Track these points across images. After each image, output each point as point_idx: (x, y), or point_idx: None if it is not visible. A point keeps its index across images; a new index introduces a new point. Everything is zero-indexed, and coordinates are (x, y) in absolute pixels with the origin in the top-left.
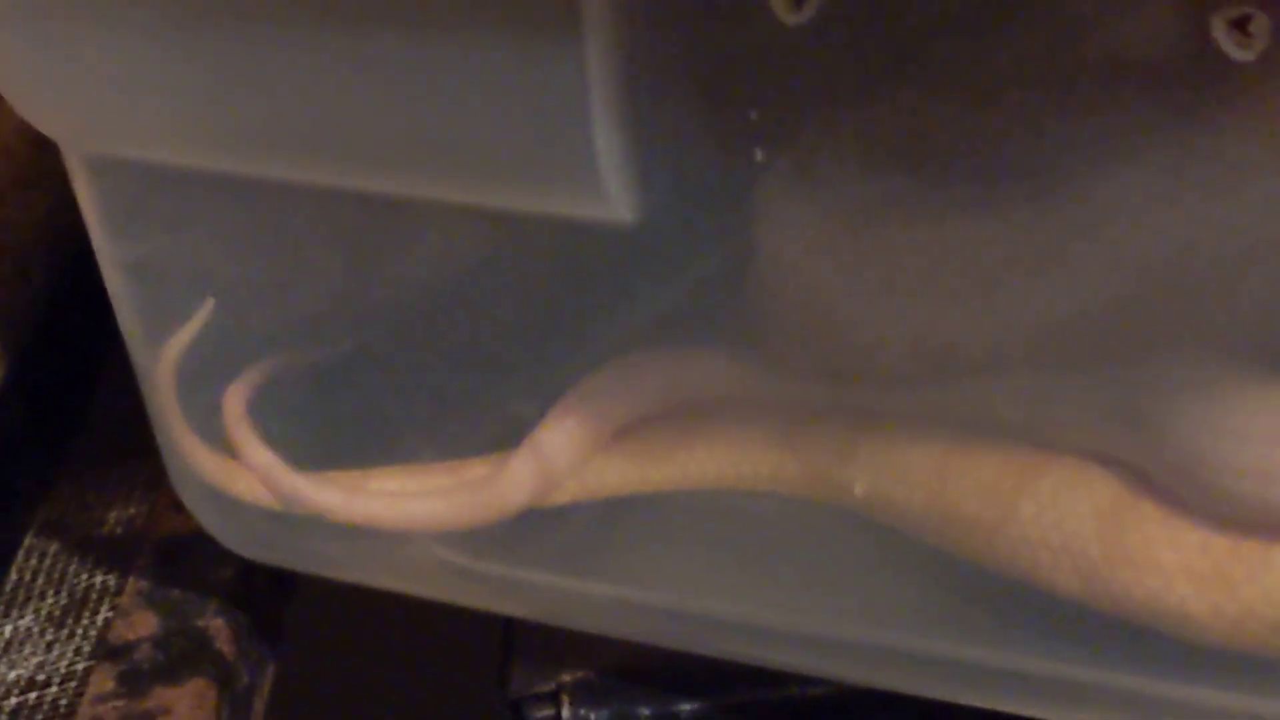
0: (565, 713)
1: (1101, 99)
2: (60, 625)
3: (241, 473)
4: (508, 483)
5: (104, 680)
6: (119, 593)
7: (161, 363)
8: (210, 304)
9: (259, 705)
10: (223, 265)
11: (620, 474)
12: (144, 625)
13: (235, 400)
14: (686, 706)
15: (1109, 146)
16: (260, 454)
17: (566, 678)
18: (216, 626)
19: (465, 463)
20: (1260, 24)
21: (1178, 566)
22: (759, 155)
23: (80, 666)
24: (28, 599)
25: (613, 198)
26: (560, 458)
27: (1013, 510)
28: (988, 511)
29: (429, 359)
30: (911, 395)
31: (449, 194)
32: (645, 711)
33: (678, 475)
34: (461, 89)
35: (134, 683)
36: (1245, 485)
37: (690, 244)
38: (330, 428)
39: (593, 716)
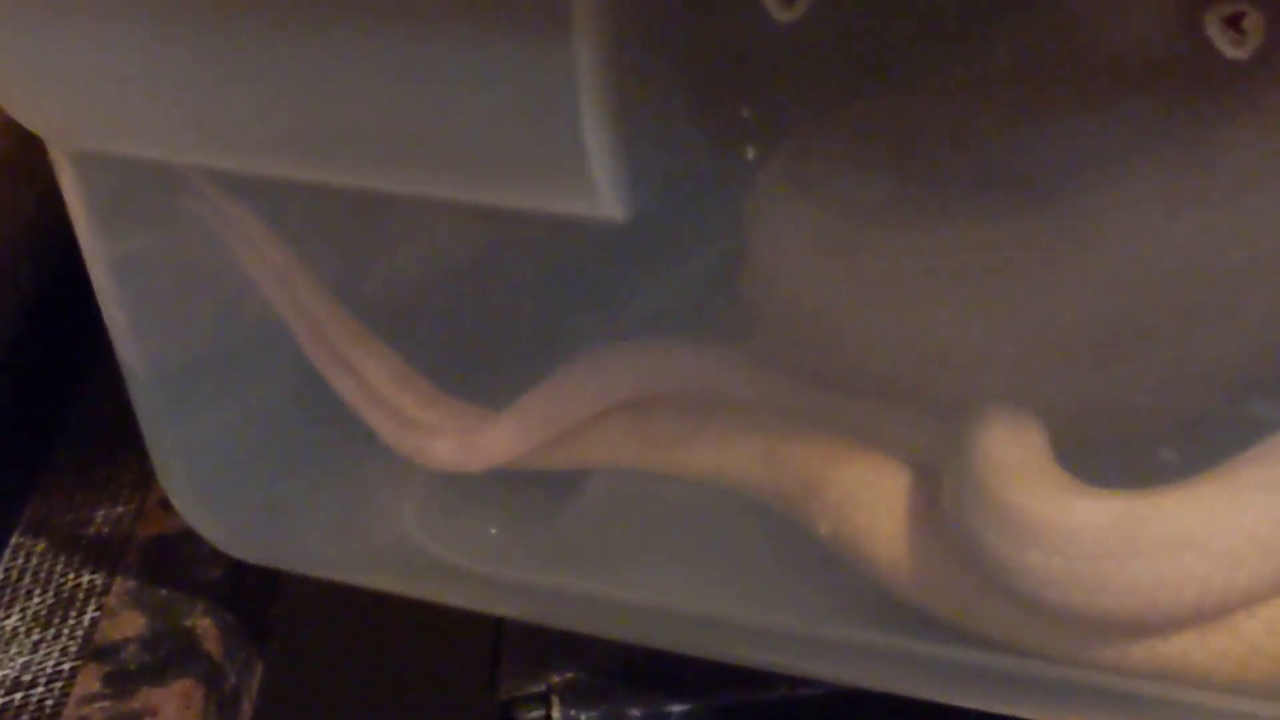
0: (555, 714)
1: (1096, 102)
2: (46, 625)
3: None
4: (489, 433)
5: (90, 681)
6: (106, 592)
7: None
8: None
9: (246, 706)
10: (210, 262)
11: (617, 447)
12: (131, 625)
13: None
14: (676, 707)
15: (1105, 153)
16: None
17: (556, 679)
18: (204, 627)
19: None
20: (1253, 21)
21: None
22: (750, 153)
23: (66, 667)
24: (14, 599)
25: (604, 196)
26: (542, 422)
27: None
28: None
29: (419, 355)
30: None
31: (439, 191)
32: (635, 712)
33: (672, 462)
34: (451, 86)
35: (121, 683)
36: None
37: (681, 242)
38: (321, 424)
39: (583, 717)
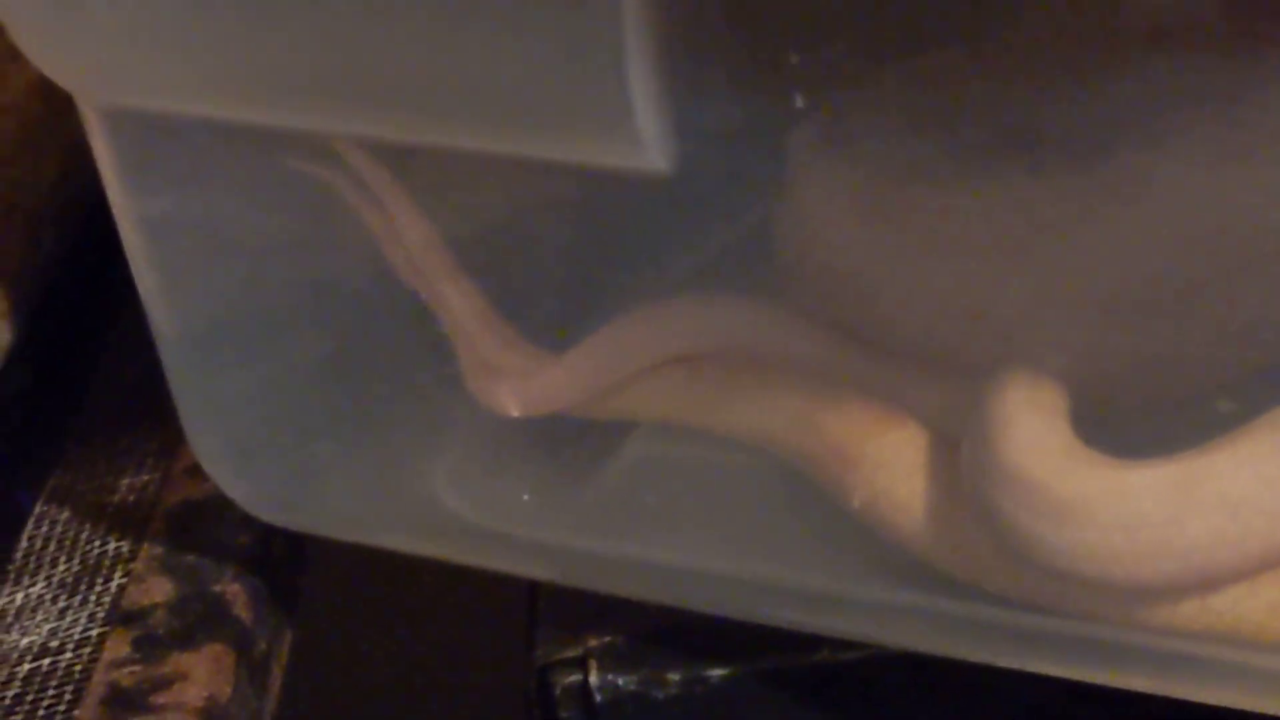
0: (593, 678)
1: (1138, 59)
2: (73, 592)
3: None
4: (542, 381)
5: (120, 645)
6: (132, 559)
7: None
8: None
9: (276, 673)
10: (241, 222)
11: (664, 402)
12: (159, 591)
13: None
14: (716, 672)
15: (1147, 110)
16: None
17: (594, 643)
18: (234, 592)
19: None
20: None
21: None
22: (799, 101)
23: (95, 632)
24: (39, 566)
25: (648, 147)
26: (592, 373)
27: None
28: None
29: None
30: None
31: (481, 143)
32: (674, 676)
33: (714, 420)
34: (495, 33)
35: (150, 648)
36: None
37: (724, 197)
38: (352, 386)
39: (620, 682)
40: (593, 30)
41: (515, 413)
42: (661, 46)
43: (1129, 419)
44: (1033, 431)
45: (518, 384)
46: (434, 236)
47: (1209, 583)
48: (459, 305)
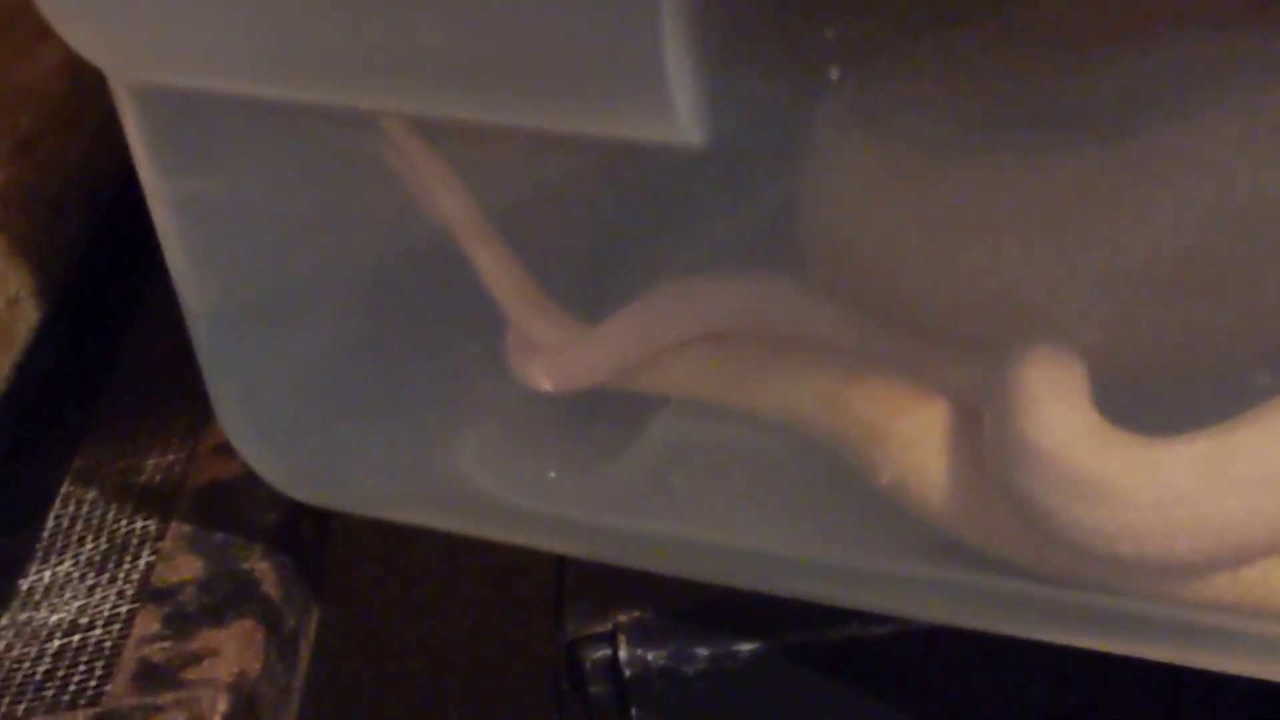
0: (622, 653)
1: (1166, 36)
2: (101, 570)
3: None
4: (567, 357)
5: (149, 622)
6: (160, 538)
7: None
8: None
9: (305, 651)
10: (274, 200)
11: (694, 379)
12: (188, 568)
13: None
14: (745, 646)
15: (1175, 88)
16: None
17: (623, 618)
18: (262, 570)
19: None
20: None
21: None
22: (834, 74)
23: (124, 609)
24: (66, 545)
25: (683, 120)
26: (621, 349)
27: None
28: None
29: (483, 291)
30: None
31: (517, 119)
32: (703, 651)
33: (742, 398)
34: (530, 7)
35: (180, 624)
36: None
37: (754, 169)
38: (380, 364)
39: (650, 657)
40: (629, 6)
41: (547, 388)
42: (697, 20)
43: (1160, 393)
44: (1059, 412)
45: (550, 360)
46: (475, 210)
47: (1245, 557)
48: (501, 279)
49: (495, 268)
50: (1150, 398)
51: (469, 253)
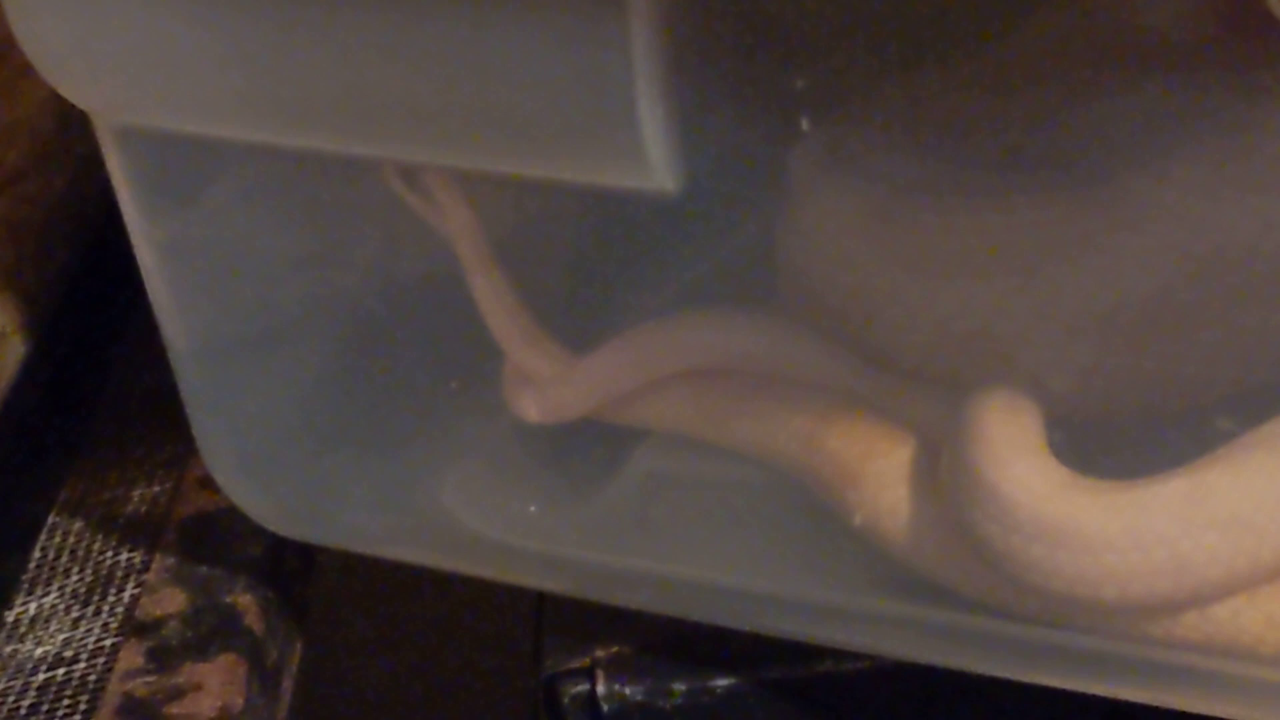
0: (600, 688)
1: (1138, 83)
2: (86, 603)
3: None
4: (552, 390)
5: (133, 656)
6: (145, 570)
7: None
8: None
9: (288, 684)
10: (257, 239)
11: (675, 413)
12: (172, 602)
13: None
14: (721, 681)
15: (1146, 135)
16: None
17: (600, 653)
18: (245, 603)
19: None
20: None
21: None
22: (805, 124)
23: (108, 643)
24: (52, 577)
25: (656, 168)
26: (600, 383)
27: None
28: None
29: (464, 329)
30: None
31: (491, 165)
32: (680, 686)
33: (721, 433)
34: (505, 59)
35: (164, 658)
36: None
37: (730, 212)
38: (363, 400)
39: (627, 692)
40: (604, 62)
41: (534, 419)
42: (669, 74)
43: (1121, 434)
44: (1017, 457)
45: (538, 392)
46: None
47: (1225, 593)
48: (495, 311)
49: (493, 299)
50: (1109, 439)
51: (469, 282)
